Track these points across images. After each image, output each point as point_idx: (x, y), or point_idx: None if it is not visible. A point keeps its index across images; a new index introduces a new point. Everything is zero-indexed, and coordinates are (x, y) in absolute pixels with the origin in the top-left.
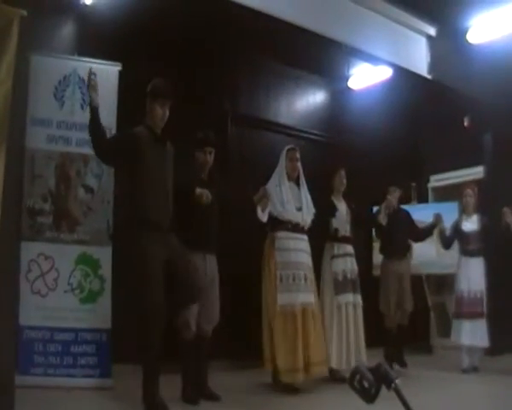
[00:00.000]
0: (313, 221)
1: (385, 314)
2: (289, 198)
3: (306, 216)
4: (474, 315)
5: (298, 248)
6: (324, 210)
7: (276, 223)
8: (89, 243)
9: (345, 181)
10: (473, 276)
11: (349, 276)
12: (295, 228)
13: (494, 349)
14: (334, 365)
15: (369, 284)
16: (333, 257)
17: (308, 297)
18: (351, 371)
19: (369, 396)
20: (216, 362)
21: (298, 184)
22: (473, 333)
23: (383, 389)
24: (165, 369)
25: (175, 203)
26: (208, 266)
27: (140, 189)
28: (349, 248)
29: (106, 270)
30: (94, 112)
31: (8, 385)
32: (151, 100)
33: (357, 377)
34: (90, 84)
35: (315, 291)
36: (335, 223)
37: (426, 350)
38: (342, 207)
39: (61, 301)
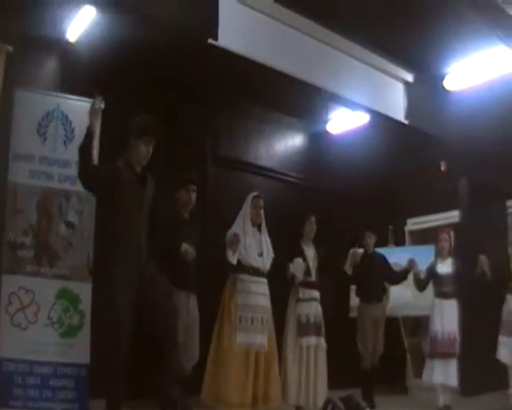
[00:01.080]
0: (272, 265)
1: (362, 354)
2: (252, 244)
3: (266, 261)
4: (446, 355)
5: (258, 292)
6: (292, 255)
7: (239, 266)
8: (69, 278)
9: (315, 227)
10: (446, 317)
11: (312, 320)
12: (256, 272)
13: (468, 390)
14: (292, 401)
15: (345, 326)
16: (298, 300)
17: (263, 339)
18: (324, 401)
19: None
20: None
21: (259, 229)
22: (444, 372)
23: None
24: (143, 405)
25: (157, 243)
26: (191, 305)
27: (114, 226)
28: (314, 293)
29: (86, 305)
30: (88, 137)
31: None
32: (136, 137)
33: (329, 406)
34: (92, 108)
35: (271, 332)
36: (292, 268)
37: (402, 391)
38: (310, 252)
39: (40, 335)
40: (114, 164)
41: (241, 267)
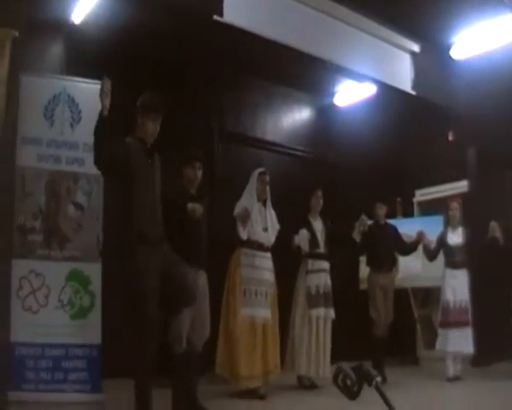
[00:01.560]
0: (280, 239)
1: (374, 322)
2: (257, 219)
3: (271, 236)
4: (460, 324)
5: (262, 266)
6: (300, 228)
7: (244, 241)
8: (79, 260)
9: (321, 201)
10: (458, 286)
11: (322, 290)
12: (261, 247)
13: (478, 360)
14: (302, 371)
15: (355, 298)
16: (307, 272)
17: (267, 313)
18: (335, 370)
19: (352, 393)
20: (205, 376)
21: (264, 205)
22: (459, 341)
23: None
24: (156, 383)
25: (166, 220)
26: (200, 281)
27: (131, 202)
28: (323, 265)
29: (96, 286)
30: (101, 119)
31: (1, 401)
32: (142, 114)
33: (341, 375)
34: (102, 90)
35: (274, 306)
36: (297, 239)
37: (412, 362)
38: (318, 225)
39: (51, 318)
40: (124, 140)
41: (246, 242)
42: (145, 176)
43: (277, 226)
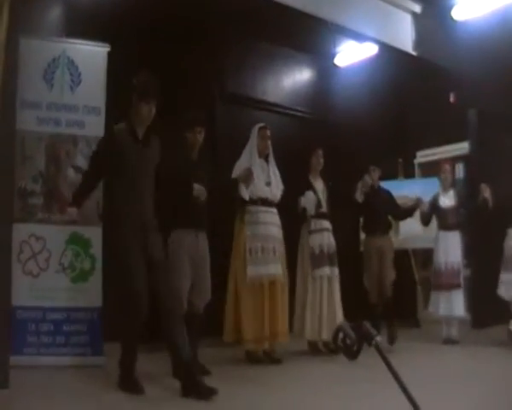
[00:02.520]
0: (282, 197)
1: (368, 289)
2: (259, 174)
3: (275, 191)
4: (451, 286)
5: (267, 222)
6: (301, 188)
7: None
8: (79, 223)
9: (322, 160)
10: (450, 249)
11: (326, 250)
12: (264, 202)
13: (477, 322)
14: (308, 336)
15: (356, 260)
16: (310, 232)
17: (276, 269)
18: (335, 329)
19: (352, 353)
20: (205, 339)
21: (267, 160)
22: (450, 304)
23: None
24: (155, 347)
25: (166, 186)
26: (200, 244)
27: (119, 188)
28: (326, 224)
29: (97, 249)
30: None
31: (2, 365)
32: (137, 98)
33: (341, 335)
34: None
35: (283, 263)
36: (304, 202)
37: (413, 324)
38: (319, 185)
39: (52, 281)
40: (112, 132)
41: (249, 199)
42: (134, 166)
43: (281, 185)
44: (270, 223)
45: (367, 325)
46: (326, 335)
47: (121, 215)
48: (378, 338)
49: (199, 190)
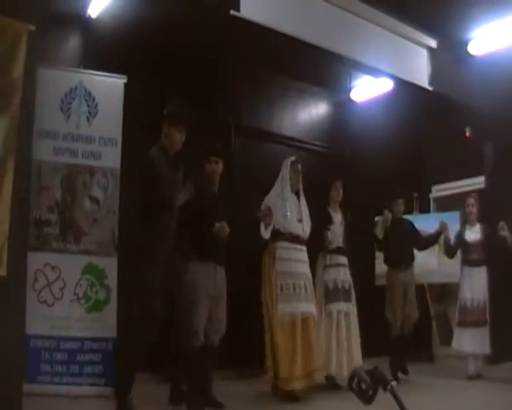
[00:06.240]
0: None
1: (390, 323)
2: (292, 210)
3: (306, 227)
4: (477, 323)
5: (298, 259)
6: (321, 221)
7: (278, 234)
8: (95, 254)
9: (341, 192)
10: (475, 285)
11: (340, 285)
12: (296, 239)
13: (495, 358)
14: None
15: (372, 294)
16: (325, 267)
17: (308, 307)
18: (349, 374)
19: (367, 397)
20: (220, 371)
21: (297, 195)
22: (474, 341)
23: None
24: (166, 378)
25: (187, 217)
26: (218, 277)
27: (152, 210)
28: (342, 259)
29: (111, 280)
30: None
31: (16, 393)
32: (169, 124)
33: (356, 379)
34: None
35: (314, 301)
36: (330, 236)
37: (428, 359)
38: (338, 217)
39: (67, 311)
40: (149, 156)
41: (281, 234)
42: (167, 186)
43: (310, 222)
44: (301, 260)
45: (381, 369)
46: (341, 370)
47: (151, 242)
48: (393, 383)
49: (220, 228)
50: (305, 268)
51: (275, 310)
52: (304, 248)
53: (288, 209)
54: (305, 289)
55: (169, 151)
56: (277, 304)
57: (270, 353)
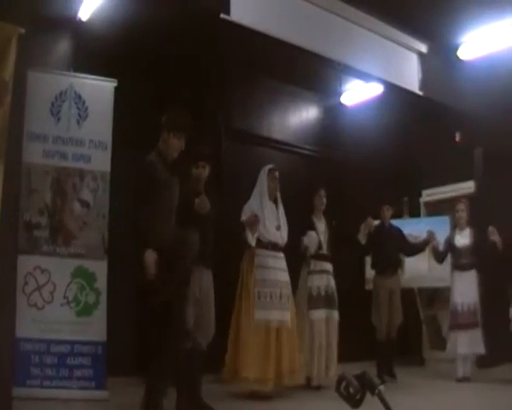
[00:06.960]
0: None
1: (376, 327)
2: (270, 218)
3: (284, 235)
4: (468, 326)
5: (276, 267)
6: (302, 229)
7: (257, 241)
8: (85, 257)
9: (324, 200)
10: (466, 289)
11: (323, 292)
12: (274, 247)
13: (486, 361)
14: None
15: (361, 299)
16: (309, 273)
17: (283, 315)
18: (337, 377)
19: (355, 402)
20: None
21: (275, 202)
22: (469, 342)
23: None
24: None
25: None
26: (204, 280)
27: (147, 215)
28: (326, 265)
29: (101, 283)
30: None
31: (6, 397)
32: (168, 132)
33: (344, 383)
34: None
35: (291, 308)
36: (306, 241)
37: (418, 362)
38: (321, 225)
39: (57, 314)
40: (147, 161)
41: (259, 242)
42: (165, 190)
43: (287, 227)
44: (279, 268)
45: (369, 374)
46: (320, 373)
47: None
48: (381, 387)
49: (199, 202)
50: (284, 276)
51: (250, 315)
52: (282, 255)
53: (267, 217)
54: (281, 297)
55: (166, 157)
56: (254, 310)
57: (233, 357)
